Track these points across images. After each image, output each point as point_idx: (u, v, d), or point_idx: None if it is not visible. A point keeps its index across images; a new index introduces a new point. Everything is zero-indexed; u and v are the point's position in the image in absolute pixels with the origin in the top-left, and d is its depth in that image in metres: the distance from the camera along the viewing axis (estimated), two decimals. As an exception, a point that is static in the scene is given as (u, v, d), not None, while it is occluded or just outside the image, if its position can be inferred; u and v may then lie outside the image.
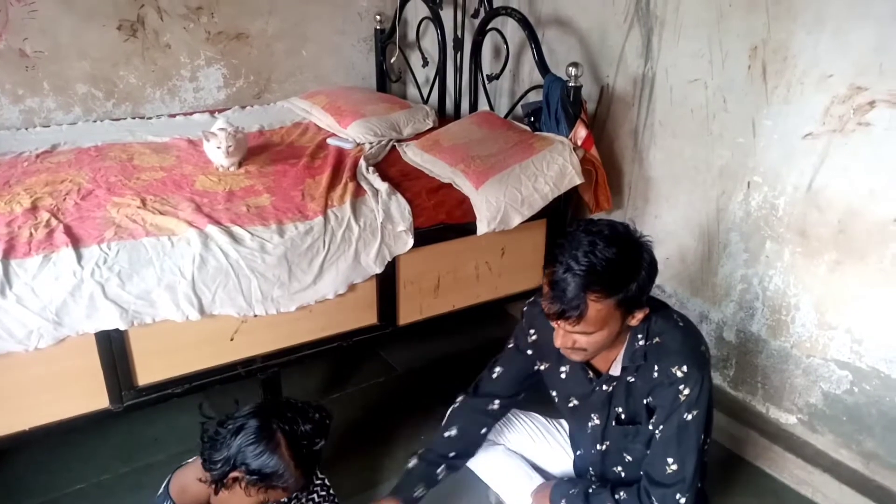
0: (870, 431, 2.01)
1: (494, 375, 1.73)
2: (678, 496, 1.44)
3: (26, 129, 2.84)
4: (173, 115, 3.08)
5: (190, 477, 1.44)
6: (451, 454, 1.70)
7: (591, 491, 1.54)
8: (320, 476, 1.72)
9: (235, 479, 1.34)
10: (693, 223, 2.39)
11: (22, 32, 2.80)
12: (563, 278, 1.34)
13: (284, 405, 1.40)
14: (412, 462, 1.71)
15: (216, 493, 1.38)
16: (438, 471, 1.68)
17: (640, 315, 1.42)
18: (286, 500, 1.61)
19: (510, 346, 1.73)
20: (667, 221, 2.50)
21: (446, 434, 1.72)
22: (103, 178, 2.26)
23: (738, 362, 2.35)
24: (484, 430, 1.74)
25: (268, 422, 1.35)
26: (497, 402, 1.72)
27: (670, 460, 1.43)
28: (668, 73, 2.36)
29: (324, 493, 1.72)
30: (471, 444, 1.73)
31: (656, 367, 1.45)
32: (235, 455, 1.33)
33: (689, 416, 1.42)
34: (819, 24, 1.90)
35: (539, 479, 1.74)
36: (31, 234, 1.85)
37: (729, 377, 2.39)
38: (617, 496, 1.50)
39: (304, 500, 1.68)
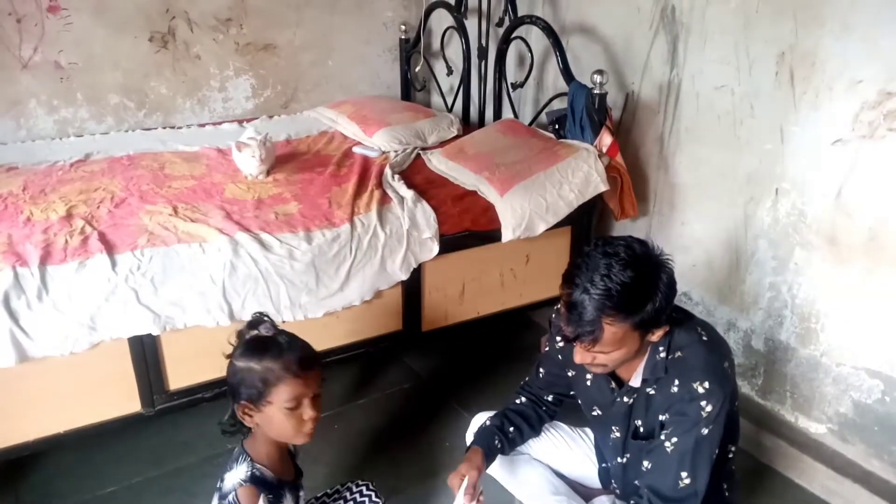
0: (903, 442, 1.98)
1: (540, 375, 1.78)
2: None
3: (60, 138, 2.92)
4: (203, 125, 3.15)
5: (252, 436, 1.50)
6: (518, 421, 1.74)
7: None
8: (363, 482, 1.78)
9: (243, 411, 1.39)
10: (720, 230, 2.37)
11: (57, 45, 2.88)
12: (579, 301, 1.35)
13: None
14: (484, 424, 1.74)
15: (234, 432, 1.45)
16: (511, 429, 1.71)
17: (659, 332, 1.42)
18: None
19: (546, 349, 1.77)
20: (694, 228, 2.49)
21: (516, 401, 1.79)
22: (136, 186, 2.31)
23: (766, 371, 2.32)
24: (543, 409, 1.78)
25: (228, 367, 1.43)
26: (550, 396, 1.78)
27: (684, 474, 1.41)
28: (694, 79, 2.35)
29: (369, 492, 1.77)
30: (533, 419, 1.76)
31: (676, 382, 1.43)
32: (232, 398, 1.40)
33: (706, 431, 1.40)
34: (847, 29, 1.89)
35: (563, 489, 1.74)
36: (66, 241, 1.90)
37: (757, 386, 2.36)
38: None
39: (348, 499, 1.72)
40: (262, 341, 1.41)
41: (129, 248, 1.89)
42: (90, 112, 3.03)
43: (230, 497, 1.37)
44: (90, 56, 2.96)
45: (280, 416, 1.39)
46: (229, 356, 1.43)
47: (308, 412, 1.41)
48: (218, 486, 1.44)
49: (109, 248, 1.89)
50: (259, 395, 1.37)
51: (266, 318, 1.45)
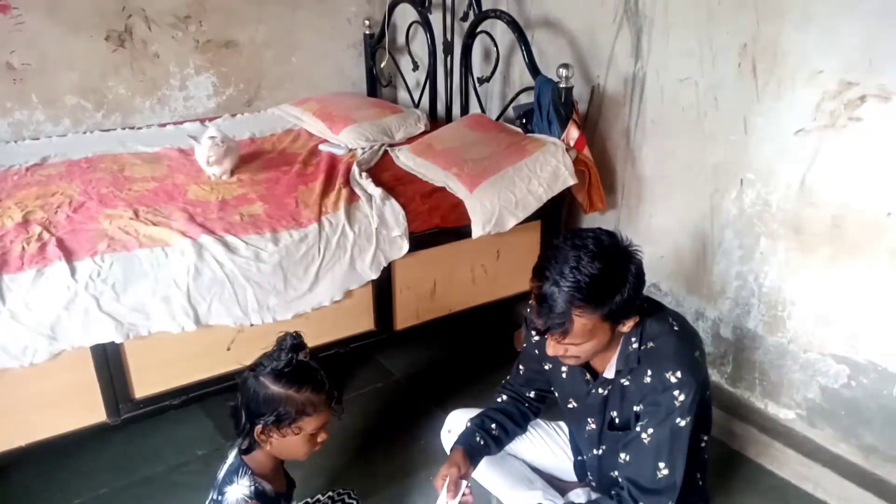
0: (868, 425, 2.02)
1: (521, 372, 1.78)
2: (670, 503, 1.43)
3: (15, 142, 2.83)
4: (163, 125, 3.07)
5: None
6: (500, 417, 1.73)
7: None
8: (346, 489, 1.78)
9: (263, 432, 1.40)
10: (687, 221, 2.40)
11: (9, 45, 2.78)
12: (549, 293, 1.35)
13: (260, 359, 1.46)
14: (466, 425, 1.73)
15: (247, 451, 1.44)
16: (493, 426, 1.71)
17: (629, 323, 1.43)
18: None
19: (525, 345, 1.77)
20: (661, 220, 2.50)
21: (497, 399, 1.79)
22: (94, 189, 2.25)
23: (735, 359, 2.35)
24: (526, 406, 1.78)
25: (245, 380, 1.42)
26: (532, 392, 1.79)
27: (661, 465, 1.42)
28: (658, 72, 2.36)
29: (351, 501, 1.77)
30: (517, 416, 1.76)
31: (649, 372, 1.45)
32: (248, 415, 1.40)
33: (683, 423, 1.41)
34: (807, 20, 1.91)
35: (539, 483, 1.74)
36: (23, 249, 1.84)
37: (727, 374, 2.39)
38: None
39: None
40: (304, 369, 1.40)
41: (88, 254, 1.83)
42: (46, 114, 2.94)
43: None
44: (44, 56, 2.86)
45: (300, 441, 1.42)
46: (251, 369, 1.42)
47: (323, 436, 1.45)
48: (216, 497, 1.43)
49: (68, 254, 1.83)
50: (290, 422, 1.38)
51: (304, 342, 1.45)
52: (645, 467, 1.44)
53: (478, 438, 1.67)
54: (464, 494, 1.55)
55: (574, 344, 1.40)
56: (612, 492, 1.49)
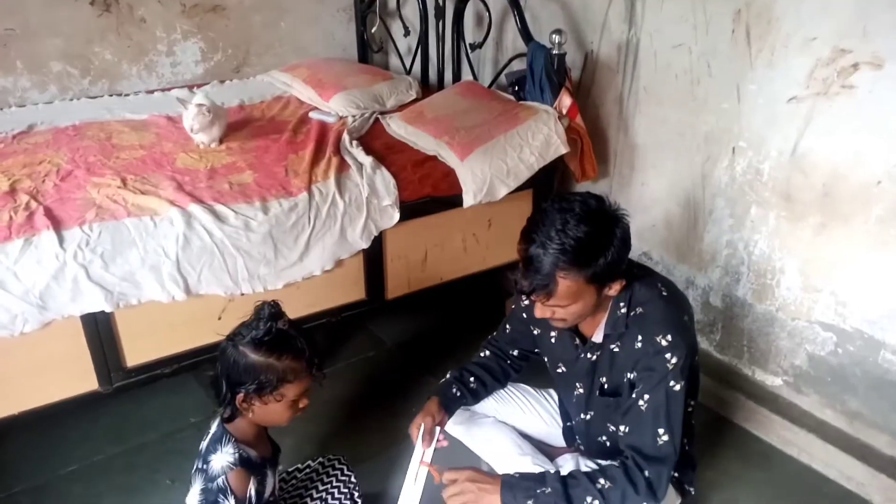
0: (854, 391, 2.05)
1: (507, 330, 1.80)
2: (671, 471, 1.44)
3: (1, 109, 2.79)
4: (151, 92, 3.03)
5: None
6: (479, 372, 1.76)
7: (569, 489, 1.40)
8: (336, 455, 1.78)
9: (245, 400, 1.40)
10: (679, 190, 2.39)
11: (-10, 10, 2.73)
12: (535, 255, 1.37)
13: (238, 328, 1.45)
14: (445, 377, 1.75)
15: (229, 420, 1.44)
16: (472, 379, 1.73)
17: (616, 286, 1.44)
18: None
19: (514, 307, 1.78)
20: (653, 188, 2.50)
21: (480, 354, 1.81)
22: (82, 157, 2.22)
23: (724, 326, 2.37)
24: (508, 363, 1.80)
25: (224, 349, 1.42)
26: (516, 351, 1.80)
27: (661, 430, 1.43)
28: (652, 38, 2.34)
29: (341, 466, 1.77)
30: (497, 372, 1.79)
31: (639, 337, 1.46)
32: (229, 385, 1.40)
33: (678, 387, 1.42)
34: (802, -14, 1.89)
35: (528, 449, 1.76)
36: (10, 218, 1.82)
37: (715, 341, 2.41)
38: (599, 484, 1.40)
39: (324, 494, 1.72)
40: (283, 337, 1.40)
41: (76, 224, 1.82)
42: (31, 81, 2.90)
43: (219, 481, 1.38)
44: (27, 22, 2.80)
45: (282, 408, 1.42)
46: (230, 338, 1.42)
47: (304, 402, 1.46)
48: (201, 466, 1.43)
49: (56, 223, 1.82)
50: (272, 390, 1.38)
51: (283, 310, 1.44)
52: (645, 434, 1.44)
53: (454, 390, 1.69)
54: (438, 440, 1.57)
55: (560, 306, 1.42)
56: (618, 460, 1.48)
